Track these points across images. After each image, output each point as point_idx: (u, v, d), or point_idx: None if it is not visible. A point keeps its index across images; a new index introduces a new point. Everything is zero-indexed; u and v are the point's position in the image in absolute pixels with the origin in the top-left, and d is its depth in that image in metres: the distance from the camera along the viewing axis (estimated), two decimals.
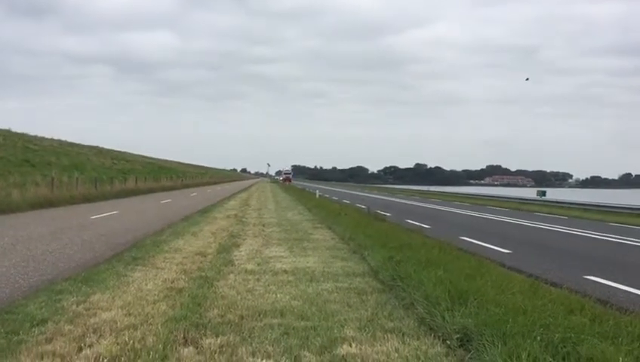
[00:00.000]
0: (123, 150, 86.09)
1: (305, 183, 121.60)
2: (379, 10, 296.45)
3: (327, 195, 45.18)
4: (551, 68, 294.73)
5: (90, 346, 5.13)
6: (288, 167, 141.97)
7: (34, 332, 5.53)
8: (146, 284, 7.87)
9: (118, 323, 5.86)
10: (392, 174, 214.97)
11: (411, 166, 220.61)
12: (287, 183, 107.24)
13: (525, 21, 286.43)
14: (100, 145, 75.73)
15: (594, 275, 9.72)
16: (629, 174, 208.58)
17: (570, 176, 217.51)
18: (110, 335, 5.45)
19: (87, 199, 30.20)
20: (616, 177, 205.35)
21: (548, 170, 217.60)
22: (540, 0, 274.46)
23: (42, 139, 58.18)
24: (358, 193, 62.22)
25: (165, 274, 8.63)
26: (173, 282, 8.04)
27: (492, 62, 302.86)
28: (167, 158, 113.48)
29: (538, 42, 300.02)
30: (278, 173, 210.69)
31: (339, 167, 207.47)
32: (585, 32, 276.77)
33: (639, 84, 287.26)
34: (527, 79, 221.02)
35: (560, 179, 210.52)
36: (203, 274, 8.65)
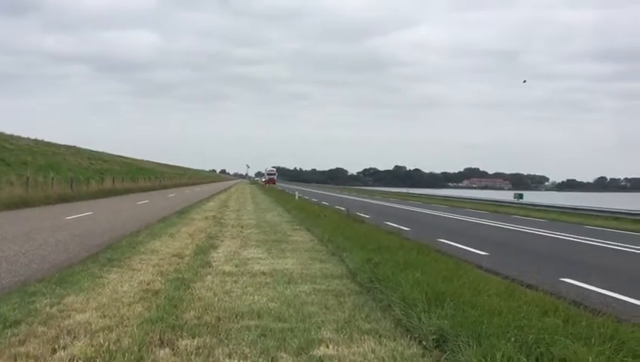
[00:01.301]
0: (101, 150, 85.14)
1: (284, 185, 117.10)
2: (364, 12, 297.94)
3: (307, 197, 45.16)
4: (532, 72, 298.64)
5: (64, 348, 5.06)
6: (272, 167, 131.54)
7: (7, 334, 5.44)
8: (122, 286, 7.78)
9: (93, 324, 5.79)
10: (372, 176, 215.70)
11: (391, 168, 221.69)
12: (270, 185, 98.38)
13: (507, 26, 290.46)
14: (78, 145, 74.81)
15: (569, 277, 9.86)
16: (604, 178, 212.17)
17: (547, 179, 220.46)
18: (85, 337, 5.38)
19: (63, 199, 29.81)
20: (591, 180, 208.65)
21: (525, 173, 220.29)
22: (521, 5, 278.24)
23: (18, 138, 57.21)
24: (337, 195, 62.30)
25: (141, 276, 8.55)
26: (149, 284, 7.96)
27: (475, 66, 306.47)
28: (146, 159, 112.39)
29: (519, 47, 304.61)
30: (259, 174, 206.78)
31: (319, 169, 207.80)
32: (565, 37, 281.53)
33: (617, 90, 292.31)
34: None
35: (537, 182, 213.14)
36: (180, 275, 8.58)
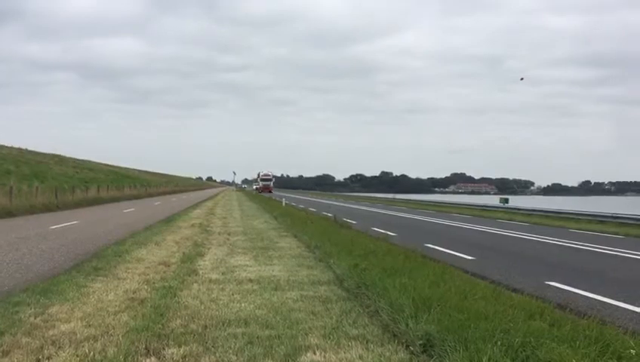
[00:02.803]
0: (86, 158, 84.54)
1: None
2: (349, 18, 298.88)
3: (294, 203, 45.12)
4: (516, 77, 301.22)
5: (48, 358, 5.00)
6: (267, 172, 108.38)
7: None
8: (107, 295, 7.72)
9: (78, 334, 5.73)
10: (359, 182, 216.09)
11: (377, 174, 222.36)
12: (267, 193, 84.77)
13: (492, 31, 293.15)
14: (62, 154, 74.23)
15: (555, 281, 9.93)
16: (588, 181, 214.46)
17: (533, 184, 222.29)
18: (69, 347, 5.32)
19: (48, 208, 29.51)
20: (575, 184, 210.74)
21: (511, 178, 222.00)
22: (505, 11, 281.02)
23: (2, 147, 56.69)
24: (324, 201, 62.31)
25: (127, 285, 8.48)
26: (135, 292, 7.90)
27: (460, 72, 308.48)
28: (132, 167, 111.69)
29: (504, 52, 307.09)
30: (245, 181, 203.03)
31: (305, 175, 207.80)
32: (549, 43, 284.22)
33: (599, 95, 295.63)
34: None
35: (522, 187, 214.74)
36: (166, 284, 8.52)
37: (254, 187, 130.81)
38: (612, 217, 27.86)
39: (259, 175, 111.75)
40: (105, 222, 23.29)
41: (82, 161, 79.17)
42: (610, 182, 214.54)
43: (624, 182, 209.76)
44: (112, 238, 15.68)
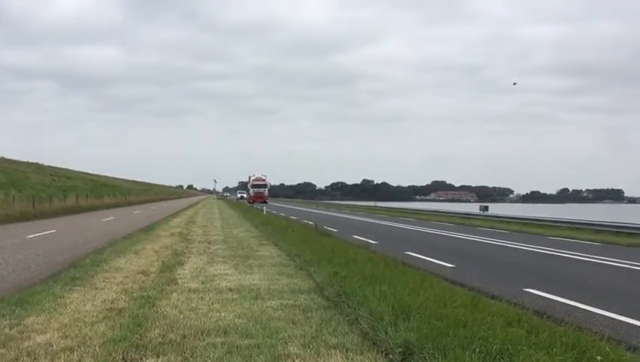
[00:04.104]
0: (64, 167, 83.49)
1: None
2: (330, 28, 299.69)
3: (275, 212, 45.02)
4: (495, 86, 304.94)
5: None
6: (260, 175, 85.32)
7: None
8: (84, 305, 7.62)
9: (54, 346, 5.65)
10: (340, 190, 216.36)
11: (359, 182, 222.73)
12: (258, 203, 68.71)
13: (470, 41, 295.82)
14: (40, 162, 73.22)
15: (533, 288, 10.03)
16: (567, 189, 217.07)
17: (512, 192, 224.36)
18: (45, 358, 5.25)
19: (25, 217, 29.09)
20: (554, 192, 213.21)
21: (490, 186, 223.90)
22: (483, 21, 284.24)
23: None
24: (305, 209, 62.25)
25: (105, 295, 8.39)
26: (113, 302, 7.81)
27: (440, 81, 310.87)
28: (111, 175, 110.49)
29: (482, 61, 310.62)
30: (226, 189, 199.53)
31: (287, 183, 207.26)
32: (526, 52, 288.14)
33: (577, 103, 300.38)
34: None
35: (502, 194, 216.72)
36: (144, 293, 8.44)
37: (239, 196, 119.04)
38: (589, 224, 28.23)
39: (249, 180, 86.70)
40: (83, 230, 23.01)
41: (60, 169, 78.16)
42: (587, 190, 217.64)
43: (601, 189, 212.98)
44: (90, 247, 15.50)
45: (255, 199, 78.14)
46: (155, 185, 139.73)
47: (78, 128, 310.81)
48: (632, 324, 7.38)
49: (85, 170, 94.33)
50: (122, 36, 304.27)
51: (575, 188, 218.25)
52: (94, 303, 7.77)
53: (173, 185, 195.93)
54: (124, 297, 8.20)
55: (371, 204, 76.88)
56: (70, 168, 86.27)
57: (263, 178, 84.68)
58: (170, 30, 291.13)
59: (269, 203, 72.46)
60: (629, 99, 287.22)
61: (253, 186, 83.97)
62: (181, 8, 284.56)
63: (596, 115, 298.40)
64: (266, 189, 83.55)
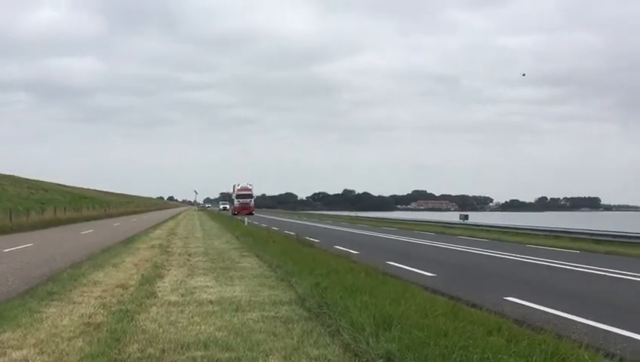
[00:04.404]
0: (42, 179, 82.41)
1: None
2: (311, 38, 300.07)
3: (256, 222, 44.84)
4: (473, 96, 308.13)
5: None
6: (246, 185, 78.90)
7: None
8: (62, 320, 7.50)
9: (30, 361, 5.54)
10: (321, 200, 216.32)
11: (340, 192, 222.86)
12: (243, 214, 62.29)
13: (449, 51, 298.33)
14: (17, 174, 72.20)
15: (513, 296, 10.09)
16: (545, 197, 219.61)
17: (491, 200, 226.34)
18: None
19: (2, 231, 28.62)
20: (533, 200, 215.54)
21: (470, 195, 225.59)
22: (461, 31, 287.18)
23: None
24: (287, 220, 62.11)
25: (83, 309, 8.26)
26: (90, 317, 7.70)
27: (420, 90, 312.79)
28: (90, 187, 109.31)
29: (461, 71, 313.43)
30: (207, 200, 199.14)
31: (268, 194, 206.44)
32: (504, 62, 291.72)
33: (554, 113, 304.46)
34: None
35: (481, 203, 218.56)
36: (123, 307, 8.33)
37: (221, 207, 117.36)
38: (566, 232, 28.60)
39: (234, 190, 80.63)
40: (61, 244, 22.69)
41: (38, 181, 77.17)
42: (565, 198, 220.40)
43: (578, 197, 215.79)
44: (68, 261, 15.28)
45: (240, 210, 72.08)
46: (135, 196, 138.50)
47: (57, 140, 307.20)
48: (610, 331, 7.46)
49: (64, 183, 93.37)
50: (102, 47, 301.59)
51: (553, 197, 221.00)
52: (72, 318, 7.65)
53: (154, 196, 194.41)
54: (102, 311, 8.08)
55: (353, 214, 76.99)
56: (48, 180, 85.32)
57: (249, 187, 78.69)
58: (150, 40, 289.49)
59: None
60: (605, 108, 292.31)
61: (239, 196, 77.93)
62: (162, 18, 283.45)
63: (573, 124, 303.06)
64: (252, 200, 78.22)
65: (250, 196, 77.85)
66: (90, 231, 32.75)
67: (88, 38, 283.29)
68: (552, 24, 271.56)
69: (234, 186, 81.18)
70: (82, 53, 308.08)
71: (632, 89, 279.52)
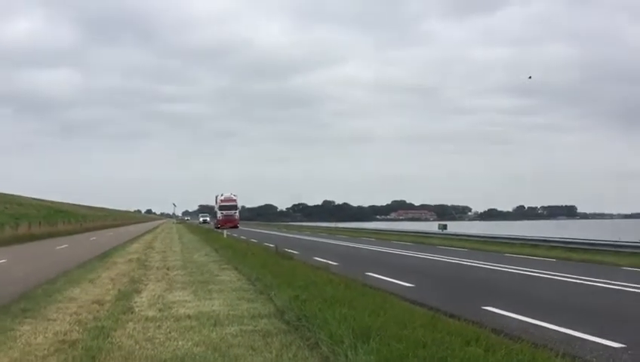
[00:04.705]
0: (16, 193, 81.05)
1: (211, 223, 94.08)
2: (290, 50, 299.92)
3: (236, 234, 44.60)
4: (450, 107, 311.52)
5: None
6: (230, 195, 73.93)
7: None
8: (36, 338, 7.35)
9: None
10: (301, 211, 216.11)
11: (319, 203, 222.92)
12: (227, 227, 57.58)
13: (426, 63, 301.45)
14: None
15: (490, 305, 10.16)
16: (522, 206, 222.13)
17: (470, 210, 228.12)
18: None
19: None
20: (510, 209, 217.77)
21: (449, 204, 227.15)
22: (436, 43, 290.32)
23: None
24: (266, 231, 61.88)
25: (57, 326, 8.12)
26: (65, 334, 7.56)
27: (398, 101, 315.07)
28: (66, 201, 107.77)
29: (437, 83, 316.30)
30: (185, 213, 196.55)
31: (247, 206, 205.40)
32: (479, 74, 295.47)
33: (528, 123, 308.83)
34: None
35: (460, 213, 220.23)
36: (99, 324, 8.20)
37: (201, 219, 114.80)
38: (543, 241, 28.93)
39: (216, 200, 74.83)
40: (36, 259, 22.30)
41: (12, 196, 75.89)
42: (542, 207, 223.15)
43: (555, 206, 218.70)
44: (42, 277, 15.00)
45: (224, 223, 65.67)
46: (112, 210, 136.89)
47: (31, 153, 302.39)
48: (586, 339, 7.54)
49: (39, 197, 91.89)
50: (78, 58, 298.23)
51: (531, 205, 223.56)
52: (46, 335, 7.51)
53: (132, 209, 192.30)
54: (77, 328, 7.95)
55: (332, 224, 77.02)
56: (23, 195, 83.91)
57: (234, 198, 73.29)
58: (128, 52, 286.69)
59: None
60: (578, 117, 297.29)
61: (222, 208, 72.09)
62: (139, 30, 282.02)
63: (548, 134, 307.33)
64: (237, 211, 73.10)
65: (235, 207, 72.95)
66: (66, 246, 32.25)
67: (64, 49, 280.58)
68: (525, 36, 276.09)
69: (216, 197, 75.73)
70: (58, 65, 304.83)
71: (604, 99, 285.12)
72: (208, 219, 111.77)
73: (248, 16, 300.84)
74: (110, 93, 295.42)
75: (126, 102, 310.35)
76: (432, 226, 56.74)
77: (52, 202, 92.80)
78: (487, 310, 9.79)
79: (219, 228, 61.34)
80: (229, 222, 67.35)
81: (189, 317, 8.78)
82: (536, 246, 27.72)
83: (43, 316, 9.00)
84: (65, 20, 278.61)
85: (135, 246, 30.69)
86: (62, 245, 32.55)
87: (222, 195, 73.87)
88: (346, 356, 5.77)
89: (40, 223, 48.08)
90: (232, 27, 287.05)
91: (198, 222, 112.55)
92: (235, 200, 73.60)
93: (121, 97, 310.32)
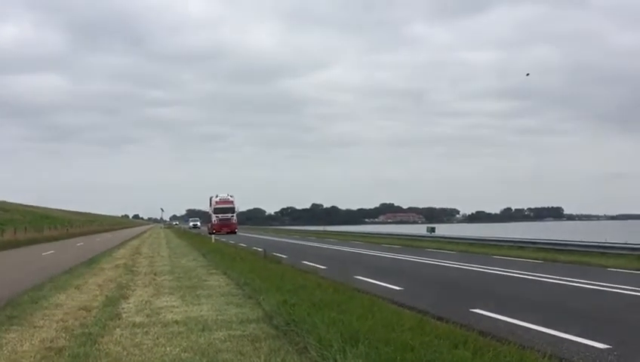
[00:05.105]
0: (2, 199, 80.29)
1: (202, 227, 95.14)
2: (277, 54, 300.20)
3: (224, 239, 44.45)
4: (438, 110, 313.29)
5: None
6: (226, 195, 67.04)
7: None
8: (22, 345, 7.28)
9: None
10: (290, 215, 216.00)
11: (308, 207, 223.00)
12: (222, 233, 56.18)
13: (414, 67, 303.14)
14: None
15: (479, 308, 10.21)
16: (509, 208, 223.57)
17: (458, 212, 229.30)
18: None
19: None
20: (498, 211, 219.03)
21: (437, 207, 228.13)
22: (425, 47, 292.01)
23: None
24: (254, 235, 61.68)
25: (44, 333, 8.04)
26: (52, 341, 7.49)
27: (386, 105, 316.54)
28: (53, 206, 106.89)
29: (426, 86, 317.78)
30: (173, 218, 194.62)
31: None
32: (467, 77, 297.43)
33: (516, 125, 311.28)
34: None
35: (448, 215, 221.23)
36: (86, 330, 8.14)
37: (191, 224, 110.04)
38: (530, 243, 29.12)
39: (211, 202, 66.84)
40: (21, 266, 22.08)
41: None
42: (529, 209, 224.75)
43: (542, 208, 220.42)
44: (28, 283, 14.85)
45: (220, 228, 59.89)
46: (99, 215, 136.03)
47: (19, 159, 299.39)
48: (572, 340, 7.60)
49: (25, 202, 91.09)
50: (65, 64, 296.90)
51: (517, 208, 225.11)
52: (32, 343, 7.43)
53: (119, 215, 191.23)
54: (64, 335, 7.88)
55: (321, 228, 76.99)
56: (8, 201, 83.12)
57: (231, 199, 65.86)
58: (115, 57, 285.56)
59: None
60: (564, 120, 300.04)
61: (218, 211, 64.41)
62: (126, 35, 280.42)
63: (535, 137, 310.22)
64: (234, 215, 65.62)
65: (233, 210, 65.43)
66: (52, 251, 31.96)
67: (51, 54, 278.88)
68: (511, 39, 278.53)
69: (211, 198, 67.81)
70: (45, 70, 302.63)
71: (591, 102, 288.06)
72: (199, 223, 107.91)
73: (236, 21, 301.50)
74: (97, 98, 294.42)
75: (113, 107, 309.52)
76: (421, 229, 56.89)
77: (38, 208, 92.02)
78: (475, 312, 9.84)
79: (213, 233, 53.62)
80: (226, 227, 61.56)
81: (176, 322, 8.73)
82: (523, 248, 27.89)
83: (29, 323, 8.91)
84: (53, 25, 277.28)
85: (122, 251, 30.48)
86: (48, 251, 32.26)
87: (217, 196, 66.51)
88: (335, 360, 5.78)
89: (26, 229, 47.65)
90: (219, 32, 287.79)
91: (187, 227, 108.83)
92: (232, 202, 66.12)
93: (108, 102, 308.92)
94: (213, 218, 64.67)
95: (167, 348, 6.98)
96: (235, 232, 60.93)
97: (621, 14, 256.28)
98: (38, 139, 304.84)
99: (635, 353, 6.93)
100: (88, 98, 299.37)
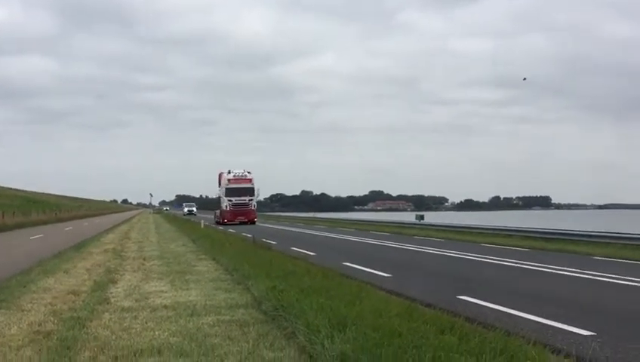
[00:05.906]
0: None
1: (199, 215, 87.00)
2: (269, 40, 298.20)
3: (213, 225, 44.42)
4: (430, 98, 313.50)
5: None
6: (243, 170, 49.81)
7: None
8: (10, 329, 7.27)
9: None
10: (279, 201, 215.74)
11: (298, 193, 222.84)
12: (236, 223, 44.51)
13: (407, 54, 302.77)
14: None
15: (466, 295, 10.32)
16: (498, 197, 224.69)
17: (447, 200, 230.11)
18: None
19: None
20: (486, 200, 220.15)
21: (426, 195, 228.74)
22: (418, 35, 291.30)
23: None
24: None
25: (32, 317, 8.03)
26: (40, 325, 7.49)
27: (378, 92, 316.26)
28: (41, 191, 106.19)
29: (418, 74, 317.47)
30: (162, 203, 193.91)
31: None
32: (460, 66, 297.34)
33: (507, 114, 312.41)
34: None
35: (437, 203, 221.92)
36: (74, 314, 8.14)
37: (187, 210, 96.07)
38: (517, 231, 29.36)
39: (221, 179, 50.34)
40: (9, 250, 21.98)
41: None
42: (517, 197, 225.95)
43: (530, 196, 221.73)
44: (16, 268, 14.79)
45: (234, 216, 46.29)
46: (88, 200, 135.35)
47: (6, 142, 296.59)
48: (557, 327, 7.71)
49: (12, 186, 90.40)
50: (54, 46, 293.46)
51: (506, 196, 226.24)
52: (20, 326, 7.43)
53: (108, 199, 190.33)
54: (52, 319, 7.87)
55: (310, 215, 77.09)
56: None
57: (249, 176, 49.10)
58: (107, 41, 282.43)
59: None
60: (555, 110, 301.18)
61: (231, 193, 47.70)
62: (117, 18, 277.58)
63: (524, 126, 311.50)
64: (254, 198, 48.93)
65: (251, 192, 48.49)
66: (40, 236, 31.81)
67: (40, 37, 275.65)
68: (505, 28, 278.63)
69: (220, 176, 50.77)
70: (33, 53, 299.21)
71: (582, 92, 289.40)
72: (194, 209, 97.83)
73: (228, 6, 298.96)
74: (87, 82, 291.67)
75: (103, 91, 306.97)
76: (410, 217, 57.11)
77: (26, 192, 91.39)
78: (462, 299, 9.94)
79: (225, 223, 43.14)
80: (242, 215, 46.91)
81: (165, 307, 8.76)
82: (511, 236, 28.11)
83: (17, 306, 8.89)
84: (43, 7, 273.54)
85: (111, 236, 30.39)
86: (36, 235, 32.10)
87: (229, 173, 49.21)
88: (323, 345, 5.81)
89: (14, 213, 47.33)
90: (211, 17, 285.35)
91: (182, 213, 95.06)
92: (250, 180, 49.16)
93: (98, 86, 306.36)
94: (224, 202, 48.18)
95: (156, 332, 7.00)
96: (254, 222, 46.98)
97: (615, 4, 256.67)
98: (26, 122, 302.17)
99: (616, 339, 7.04)
100: (77, 81, 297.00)
